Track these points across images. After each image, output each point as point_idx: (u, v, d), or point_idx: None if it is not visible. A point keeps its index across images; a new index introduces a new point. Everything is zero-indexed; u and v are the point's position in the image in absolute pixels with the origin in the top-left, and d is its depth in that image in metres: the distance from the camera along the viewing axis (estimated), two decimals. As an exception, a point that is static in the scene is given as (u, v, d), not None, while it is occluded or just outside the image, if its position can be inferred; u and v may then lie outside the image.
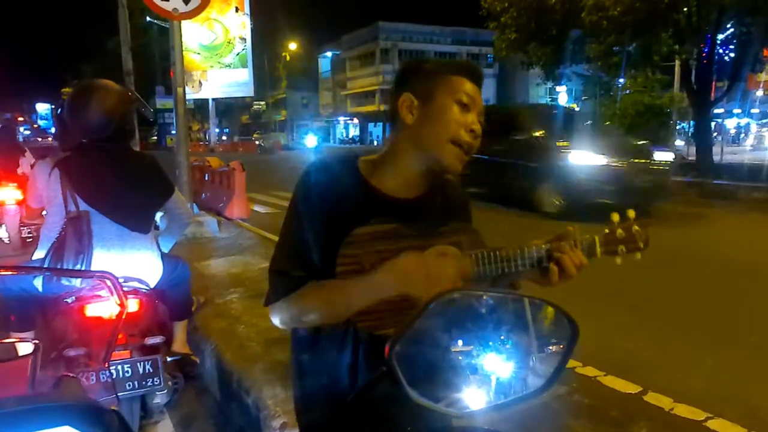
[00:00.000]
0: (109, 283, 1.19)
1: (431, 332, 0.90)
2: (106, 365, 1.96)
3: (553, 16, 13.53)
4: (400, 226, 1.11)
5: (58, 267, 2.27)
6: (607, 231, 1.17)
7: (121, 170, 2.43)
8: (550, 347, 0.91)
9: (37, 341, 0.98)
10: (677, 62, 15.86)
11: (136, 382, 2.19)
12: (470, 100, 1.11)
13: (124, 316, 1.23)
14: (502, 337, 0.92)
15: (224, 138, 54.96)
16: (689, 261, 6.01)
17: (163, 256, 2.62)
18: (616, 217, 1.17)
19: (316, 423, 1.21)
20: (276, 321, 1.15)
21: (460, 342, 0.92)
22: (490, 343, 0.92)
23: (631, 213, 1.17)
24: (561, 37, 14.65)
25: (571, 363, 2.64)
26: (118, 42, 12.54)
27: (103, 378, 1.87)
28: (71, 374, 0.83)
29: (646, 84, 17.24)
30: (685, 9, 12.23)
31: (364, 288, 1.04)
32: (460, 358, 0.92)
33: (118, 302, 1.19)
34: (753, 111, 19.34)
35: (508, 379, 0.92)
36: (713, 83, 14.27)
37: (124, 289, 2.25)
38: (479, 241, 1.18)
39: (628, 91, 18.52)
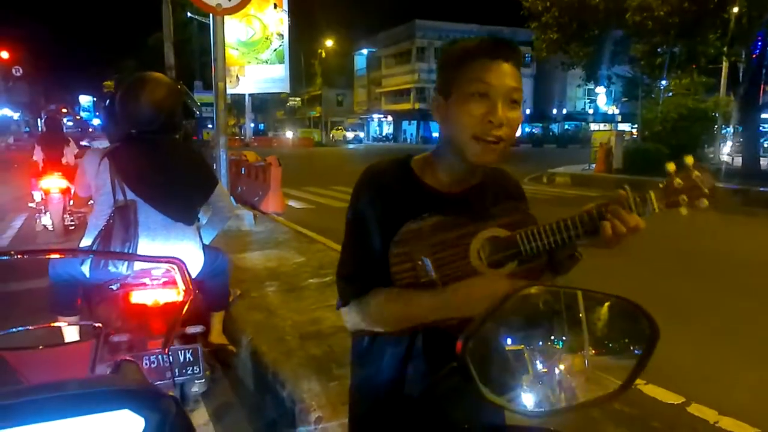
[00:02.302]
0: (176, 269, 1.21)
1: (500, 329, 0.88)
2: (166, 351, 2.00)
3: (596, 15, 13.25)
4: (447, 217, 1.10)
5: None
6: (663, 184, 1.07)
7: (168, 162, 2.47)
8: (627, 349, 0.88)
9: (99, 325, 1.00)
10: (725, 64, 15.33)
11: (176, 370, 2.23)
12: (487, 86, 1.05)
13: (189, 304, 1.25)
14: (568, 337, 0.89)
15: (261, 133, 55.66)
16: (732, 269, 5.81)
17: (204, 247, 2.66)
18: (671, 166, 1.07)
19: (368, 414, 1.21)
20: (348, 324, 1.18)
21: (525, 340, 0.90)
22: (557, 343, 0.89)
23: (689, 159, 1.07)
24: (603, 37, 14.33)
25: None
26: (159, 37, 12.83)
27: (161, 363, 1.91)
28: (125, 359, 0.84)
29: (690, 87, 16.71)
30: (735, 9, 11.79)
31: (436, 305, 1.05)
32: (525, 356, 0.89)
33: (184, 288, 1.21)
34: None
35: (568, 382, 0.89)
36: (762, 87, 13.72)
37: (167, 279, 2.32)
38: (531, 220, 1.14)
39: (670, 94, 17.99)
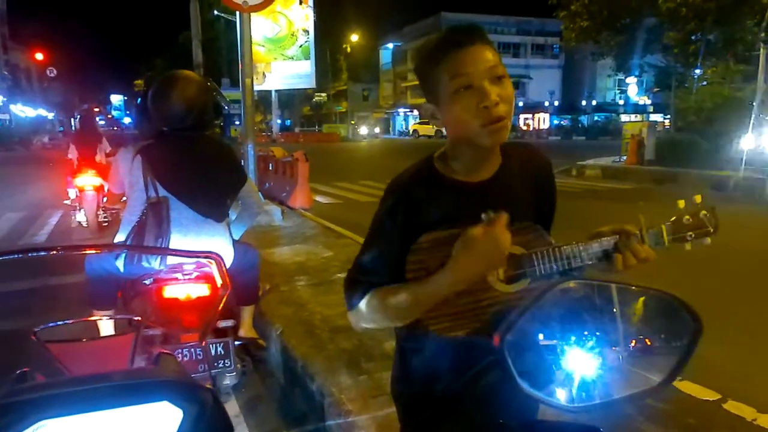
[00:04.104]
0: (214, 263, 1.24)
1: (536, 324, 0.88)
2: (204, 343, 2.04)
3: (627, 3, 12.94)
4: (464, 230, 1.09)
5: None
6: (673, 219, 1.14)
7: (200, 159, 2.51)
8: (666, 344, 0.86)
9: (139, 318, 1.02)
10: (762, 51, 14.79)
11: (208, 364, 2.27)
12: (467, 77, 1.06)
13: (225, 298, 1.27)
14: (603, 332, 0.88)
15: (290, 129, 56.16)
16: (763, 259, 5.64)
17: (234, 242, 2.69)
18: (682, 203, 1.13)
19: (412, 403, 1.23)
20: (356, 327, 1.22)
21: (561, 335, 0.89)
22: (592, 338, 0.88)
23: (698, 198, 1.13)
24: (635, 25, 13.98)
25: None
26: (187, 35, 13.01)
27: (195, 356, 1.95)
28: (163, 351, 0.86)
29: (726, 75, 16.17)
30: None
31: (433, 283, 1.06)
32: (555, 353, 0.88)
33: (221, 282, 1.24)
34: None
35: (605, 378, 0.87)
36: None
37: (199, 273, 2.36)
38: (544, 240, 1.16)
39: (705, 83, 17.45)
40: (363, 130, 45.82)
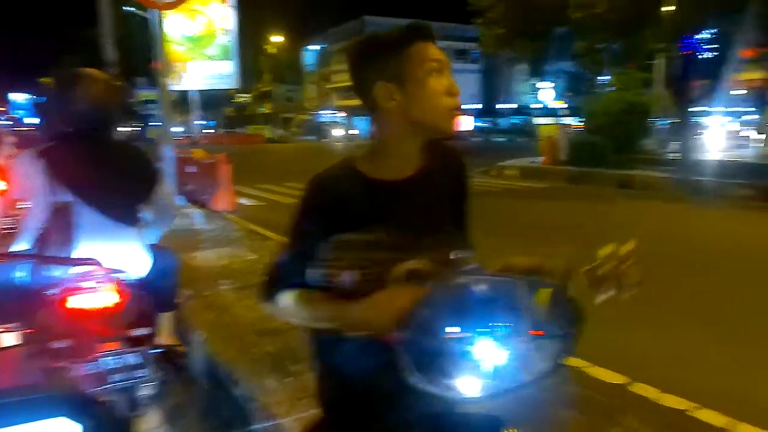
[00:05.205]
0: (95, 269, 1.17)
1: (434, 319, 0.90)
2: (96, 357, 1.93)
3: (540, 12, 13.60)
4: (383, 236, 1.11)
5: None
6: (591, 266, 1.04)
7: (107, 160, 2.39)
8: (553, 332, 0.92)
9: (28, 331, 0.96)
10: (660, 61, 16.04)
11: (123, 375, 2.16)
12: (438, 63, 1.12)
13: (112, 305, 1.21)
14: (502, 323, 0.92)
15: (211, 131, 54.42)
16: (671, 251, 6.12)
17: (150, 247, 2.58)
18: (604, 251, 1.04)
19: (336, 404, 1.23)
20: (268, 314, 1.22)
21: (460, 329, 0.92)
22: (491, 329, 0.91)
23: (627, 247, 1.04)
24: (547, 33, 14.73)
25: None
26: (99, 32, 12.31)
27: (92, 370, 1.84)
28: (60, 366, 0.82)
29: (630, 82, 17.38)
30: (670, 8, 12.36)
31: (338, 314, 1.07)
32: (462, 344, 0.91)
33: (106, 290, 1.18)
34: (733, 110, 19.69)
35: (511, 366, 0.92)
36: (694, 82, 14.43)
37: (112, 280, 2.24)
38: (460, 248, 1.16)
39: (611, 88, 18.67)
40: (280, 132, 45.27)
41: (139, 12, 21.60)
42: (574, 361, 3.05)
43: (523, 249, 1.20)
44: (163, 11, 6.03)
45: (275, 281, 1.19)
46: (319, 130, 51.68)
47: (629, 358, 3.23)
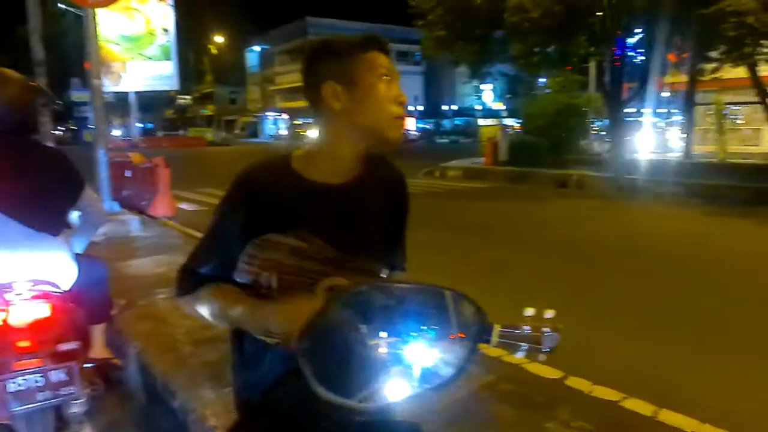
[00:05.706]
0: (14, 281, 1.12)
1: (345, 327, 0.91)
2: (14, 375, 1.83)
3: (478, 15, 13.90)
4: (310, 246, 1.11)
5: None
6: (512, 324, 1.03)
7: (26, 166, 2.26)
8: (462, 335, 0.94)
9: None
10: (592, 64, 16.73)
11: (48, 392, 2.05)
12: (390, 72, 1.15)
13: (33, 320, 1.16)
14: (415, 329, 0.94)
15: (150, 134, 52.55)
16: (602, 244, 6.40)
17: (77, 256, 2.47)
18: (528, 311, 1.04)
19: (248, 414, 1.22)
20: (185, 311, 1.22)
21: (376, 334, 0.93)
22: (405, 335, 0.93)
23: (547, 311, 1.04)
24: (486, 36, 15.08)
25: (496, 353, 2.74)
26: (27, 30, 11.64)
27: (30, 385, 1.75)
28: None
29: (565, 84, 18.07)
30: (600, 13, 12.91)
31: (252, 317, 1.06)
32: (376, 351, 0.92)
33: (27, 303, 1.12)
34: (660, 111, 20.78)
35: (424, 370, 0.94)
36: (625, 84, 15.12)
37: (34, 293, 2.13)
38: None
39: (548, 91, 19.33)
40: (222, 134, 44.41)
41: (72, 9, 20.66)
42: (512, 359, 3.13)
43: (469, 246, 1.22)
44: (94, 9, 5.79)
45: (190, 272, 1.17)
46: (263, 132, 50.95)
47: (564, 354, 3.34)
